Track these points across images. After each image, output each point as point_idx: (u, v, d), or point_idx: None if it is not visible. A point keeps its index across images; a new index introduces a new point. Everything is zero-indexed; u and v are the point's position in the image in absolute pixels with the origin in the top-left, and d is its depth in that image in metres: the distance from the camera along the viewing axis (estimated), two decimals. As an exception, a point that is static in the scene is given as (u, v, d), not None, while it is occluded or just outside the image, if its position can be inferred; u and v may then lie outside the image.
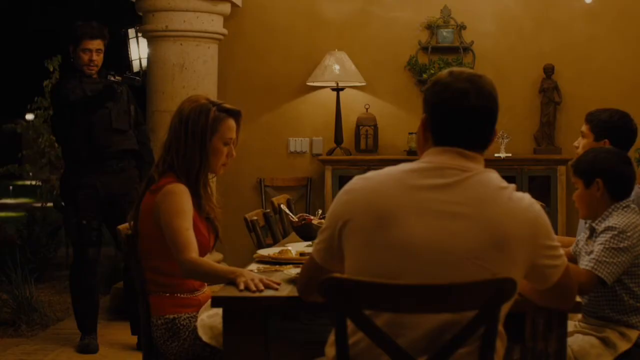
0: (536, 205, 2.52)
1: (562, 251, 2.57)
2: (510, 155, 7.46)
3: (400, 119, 7.84)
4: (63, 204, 6.14)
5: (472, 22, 7.85)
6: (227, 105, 3.66)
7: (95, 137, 5.72)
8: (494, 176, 2.51)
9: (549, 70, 7.67)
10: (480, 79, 2.54)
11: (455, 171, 2.47)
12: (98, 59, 5.84)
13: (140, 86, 6.28)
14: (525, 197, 2.51)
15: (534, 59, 7.73)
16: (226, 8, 7.30)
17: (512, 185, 2.52)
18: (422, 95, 2.63)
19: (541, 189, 7.33)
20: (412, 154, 7.42)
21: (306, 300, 2.75)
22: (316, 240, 2.64)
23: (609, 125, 4.15)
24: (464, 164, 2.49)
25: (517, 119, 7.65)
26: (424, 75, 7.71)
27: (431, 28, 7.86)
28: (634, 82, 7.69)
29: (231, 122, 3.63)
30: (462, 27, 7.85)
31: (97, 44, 5.82)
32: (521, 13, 7.83)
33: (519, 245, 2.43)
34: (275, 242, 4.60)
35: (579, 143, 4.25)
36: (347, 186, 2.55)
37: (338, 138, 7.67)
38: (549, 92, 7.69)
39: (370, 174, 2.54)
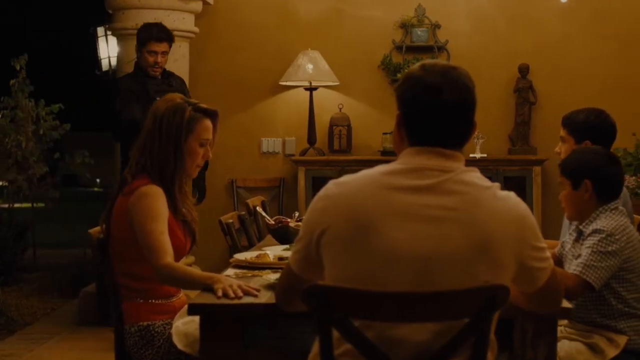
0: (522, 205, 2.41)
1: (549, 253, 2.48)
2: (485, 155, 7.39)
3: (374, 118, 7.76)
4: None
5: (446, 21, 7.80)
6: (204, 105, 3.54)
7: None
8: (476, 175, 2.40)
9: (523, 70, 7.62)
10: (454, 71, 2.41)
11: (435, 172, 2.35)
12: (163, 61, 5.94)
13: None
14: (511, 196, 2.41)
15: (509, 59, 7.68)
16: (198, 6, 7.20)
17: (496, 184, 2.41)
18: (396, 90, 2.51)
19: (516, 189, 7.09)
20: (386, 154, 7.37)
21: (284, 311, 2.64)
22: (293, 249, 2.51)
23: (587, 126, 4.08)
24: (444, 164, 2.36)
25: (492, 119, 7.58)
26: (398, 75, 7.61)
27: (405, 27, 7.79)
28: (609, 81, 7.66)
29: (207, 123, 3.52)
30: (436, 26, 7.79)
31: (163, 47, 5.92)
32: (496, 12, 7.78)
33: (506, 247, 2.32)
34: (250, 246, 4.48)
35: (560, 149, 4.17)
36: (322, 192, 2.43)
37: (311, 138, 7.58)
38: (524, 91, 7.64)
39: (346, 178, 2.42)
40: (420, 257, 2.28)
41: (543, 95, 7.69)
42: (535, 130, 7.68)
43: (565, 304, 2.76)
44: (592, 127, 4.06)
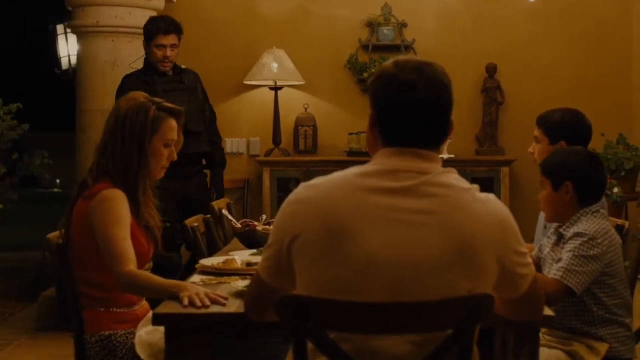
0: (503, 207, 2.31)
1: (530, 259, 2.37)
2: (452, 156, 7.30)
3: (340, 118, 7.66)
4: None
5: (413, 20, 7.71)
6: (168, 104, 3.40)
7: None
8: (454, 177, 2.29)
9: (491, 70, 7.55)
10: (429, 67, 2.29)
11: (411, 174, 2.22)
12: (173, 54, 5.71)
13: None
14: (491, 198, 2.31)
15: (476, 58, 7.61)
16: (160, 3, 7.04)
17: (475, 186, 2.30)
18: (368, 88, 2.39)
19: (484, 190, 7.17)
20: (352, 155, 7.27)
21: (254, 321, 2.50)
22: (262, 256, 2.38)
23: (562, 126, 4.00)
24: (420, 165, 2.24)
25: (459, 119, 7.36)
26: (365, 74, 7.53)
27: (371, 26, 7.69)
28: (577, 80, 7.61)
29: (172, 122, 3.38)
30: (403, 25, 7.70)
31: (171, 39, 5.69)
32: (463, 11, 7.70)
33: (487, 252, 2.21)
34: (215, 250, 4.32)
35: (534, 149, 4.08)
36: (293, 196, 2.30)
37: (276, 138, 7.45)
38: (492, 91, 7.56)
39: (317, 181, 2.28)
40: (397, 264, 2.16)
41: (510, 95, 7.62)
42: (503, 130, 7.62)
43: (548, 311, 2.66)
44: (567, 127, 3.98)
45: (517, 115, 7.51)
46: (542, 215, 4.00)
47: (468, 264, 2.19)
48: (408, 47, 7.64)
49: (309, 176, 7.13)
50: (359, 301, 2.13)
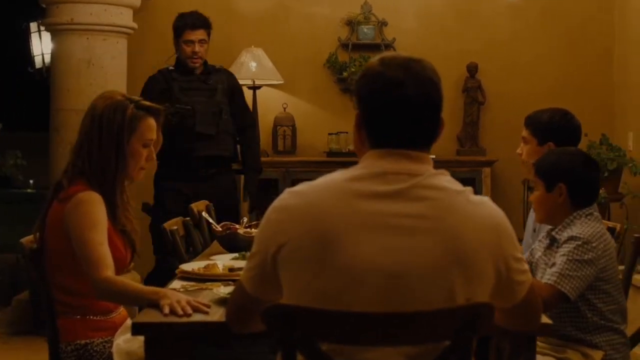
0: (499, 211, 2.19)
1: (526, 265, 2.26)
2: (434, 156, 7.12)
3: (319, 118, 7.54)
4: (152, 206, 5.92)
5: (393, 18, 7.61)
6: (146, 103, 3.26)
7: (177, 141, 5.39)
8: (446, 179, 2.17)
9: (472, 69, 7.46)
10: (417, 64, 2.18)
11: (402, 176, 2.11)
12: (202, 50, 5.64)
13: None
14: (485, 201, 2.18)
15: (457, 57, 7.52)
16: (136, 0, 6.91)
17: (469, 188, 2.18)
18: (353, 88, 2.27)
19: (466, 191, 7.11)
20: (332, 155, 7.15)
21: (237, 333, 2.37)
22: (245, 266, 2.25)
23: (551, 126, 3.90)
24: (410, 167, 2.14)
25: (440, 119, 7.39)
26: (344, 73, 7.43)
27: (351, 24, 7.58)
28: (559, 80, 7.53)
29: (151, 121, 3.24)
30: (383, 23, 7.60)
31: (199, 34, 5.64)
32: (444, 10, 7.62)
33: (483, 258, 2.10)
34: (195, 255, 4.18)
35: (522, 150, 3.99)
36: (278, 203, 2.16)
37: (255, 139, 7.32)
38: (473, 91, 7.47)
39: (303, 187, 2.15)
40: (389, 272, 2.04)
41: (492, 95, 7.54)
42: (484, 130, 7.54)
43: (545, 319, 2.55)
44: (556, 127, 3.89)
45: (499, 115, 7.45)
46: (531, 218, 3.91)
47: (463, 271, 2.07)
48: (388, 46, 7.53)
49: (288, 177, 7.04)
50: (349, 311, 2.02)
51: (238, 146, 5.97)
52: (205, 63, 5.81)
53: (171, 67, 5.84)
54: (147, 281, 5.68)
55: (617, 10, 7.55)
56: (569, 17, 7.61)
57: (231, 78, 6.00)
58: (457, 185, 2.17)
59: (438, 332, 2.05)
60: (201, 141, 5.55)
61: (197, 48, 5.64)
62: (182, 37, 5.64)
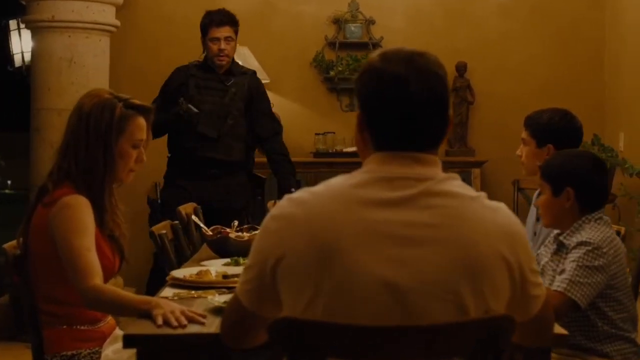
0: (515, 218, 2.03)
1: (541, 278, 2.12)
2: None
3: (306, 118, 7.42)
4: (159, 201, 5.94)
5: (381, 17, 7.52)
6: (136, 101, 3.10)
7: (179, 140, 5.45)
8: (457, 183, 2.01)
9: (461, 69, 7.36)
10: (421, 58, 2.01)
11: (410, 182, 1.95)
12: (229, 48, 5.54)
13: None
14: (501, 208, 2.03)
15: (446, 56, 7.25)
16: (118, -2, 6.78)
17: (482, 194, 2.02)
18: (354, 86, 2.12)
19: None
20: (319, 156, 7.02)
21: (233, 349, 2.22)
22: (241, 279, 2.08)
23: (550, 128, 3.79)
24: (418, 171, 1.97)
25: (429, 119, 7.29)
26: (331, 73, 7.35)
27: (338, 23, 7.49)
28: (549, 79, 7.45)
29: (141, 121, 3.08)
30: (370, 22, 7.51)
31: (225, 31, 5.54)
32: (433, 8, 7.53)
33: (499, 268, 1.95)
34: (184, 260, 4.02)
35: (521, 151, 3.87)
36: (276, 211, 2.00)
37: (240, 139, 7.20)
38: (462, 91, 7.38)
39: (305, 194, 1.98)
40: (398, 286, 1.89)
41: (481, 95, 7.44)
42: (474, 131, 7.45)
43: (559, 329, 2.42)
44: (556, 129, 3.78)
45: (488, 115, 7.38)
46: (530, 222, 3.80)
47: (476, 283, 1.92)
48: (376, 45, 7.43)
49: (274, 178, 6.89)
50: (361, 325, 1.87)
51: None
52: (232, 63, 5.69)
53: (197, 62, 5.75)
54: (148, 281, 5.64)
55: (608, 9, 7.49)
56: (559, 17, 7.54)
57: (254, 83, 5.81)
58: (470, 191, 2.02)
59: (453, 348, 1.91)
60: (202, 142, 5.44)
61: (223, 45, 5.53)
62: (208, 35, 5.54)
